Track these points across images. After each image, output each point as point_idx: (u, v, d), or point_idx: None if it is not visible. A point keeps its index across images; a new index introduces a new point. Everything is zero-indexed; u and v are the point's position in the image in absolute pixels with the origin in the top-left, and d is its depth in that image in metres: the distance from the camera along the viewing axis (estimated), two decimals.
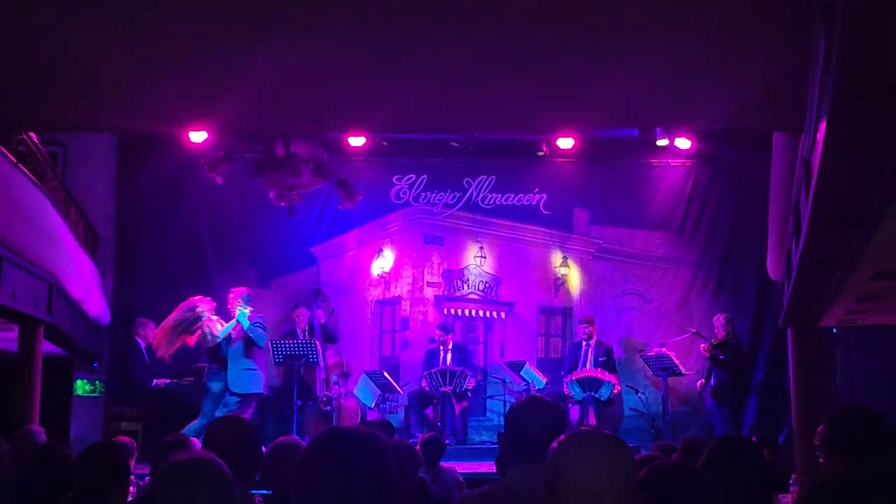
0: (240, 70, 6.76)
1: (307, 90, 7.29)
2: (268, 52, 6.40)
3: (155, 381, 11.78)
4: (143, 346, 11.98)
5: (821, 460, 3.80)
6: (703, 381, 12.29)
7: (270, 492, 4.30)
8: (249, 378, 11.19)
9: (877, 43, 2.91)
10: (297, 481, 2.38)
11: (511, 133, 12.75)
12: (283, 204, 10.33)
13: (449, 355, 12.32)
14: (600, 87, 6.95)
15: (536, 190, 13.58)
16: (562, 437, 2.50)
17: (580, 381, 11.87)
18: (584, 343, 12.38)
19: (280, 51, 6.40)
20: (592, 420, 11.71)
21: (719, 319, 12.30)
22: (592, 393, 11.72)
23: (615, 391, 11.89)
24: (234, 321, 11.19)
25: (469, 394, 12.25)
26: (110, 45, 6.34)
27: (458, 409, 12.02)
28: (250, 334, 11.12)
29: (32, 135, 8.96)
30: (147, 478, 6.10)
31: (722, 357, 12.03)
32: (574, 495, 2.35)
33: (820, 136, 3.98)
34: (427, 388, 12.13)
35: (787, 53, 5.86)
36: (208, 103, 7.64)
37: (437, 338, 12.59)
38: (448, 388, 11.91)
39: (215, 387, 11.07)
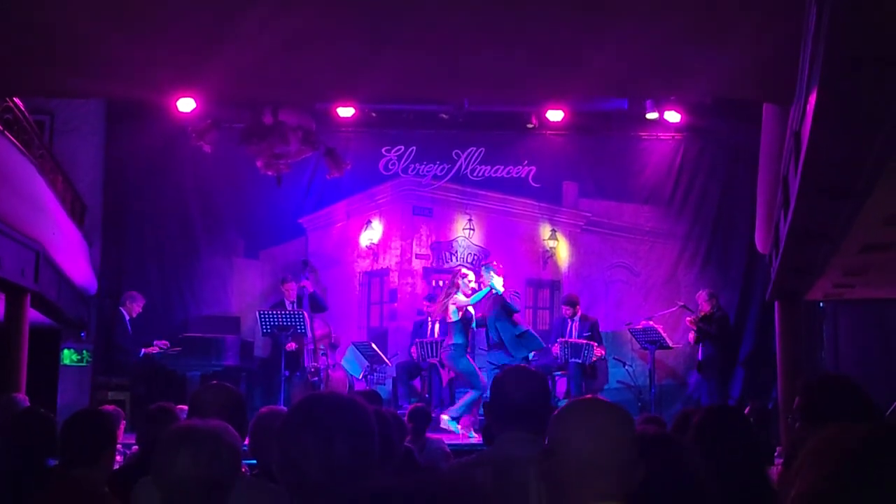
0: (228, 36, 6.69)
1: (296, 58, 7.23)
2: (256, 18, 6.34)
3: (144, 349, 11.76)
4: (126, 318, 11.95)
5: (797, 426, 3.77)
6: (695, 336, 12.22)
7: (256, 461, 4.29)
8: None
9: (868, 8, 2.88)
10: (277, 448, 2.37)
11: (501, 103, 12.70)
12: (270, 173, 10.29)
13: (437, 326, 12.28)
14: (591, 56, 6.90)
15: (526, 162, 13.53)
16: (568, 403, 2.49)
17: (563, 345, 11.88)
18: (568, 320, 12.38)
19: (268, 18, 6.34)
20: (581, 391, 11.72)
21: (702, 295, 12.30)
22: (576, 359, 11.71)
23: (597, 354, 11.87)
24: (486, 289, 11.15)
25: None
26: (97, 9, 6.27)
27: (445, 380, 12.02)
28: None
29: (19, 102, 8.89)
30: (134, 447, 6.08)
31: (709, 329, 12.03)
32: (573, 462, 2.32)
33: (810, 107, 3.95)
34: (416, 357, 12.13)
35: (778, 23, 5.82)
36: (196, 70, 7.59)
37: (424, 309, 12.57)
38: (435, 360, 11.89)
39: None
